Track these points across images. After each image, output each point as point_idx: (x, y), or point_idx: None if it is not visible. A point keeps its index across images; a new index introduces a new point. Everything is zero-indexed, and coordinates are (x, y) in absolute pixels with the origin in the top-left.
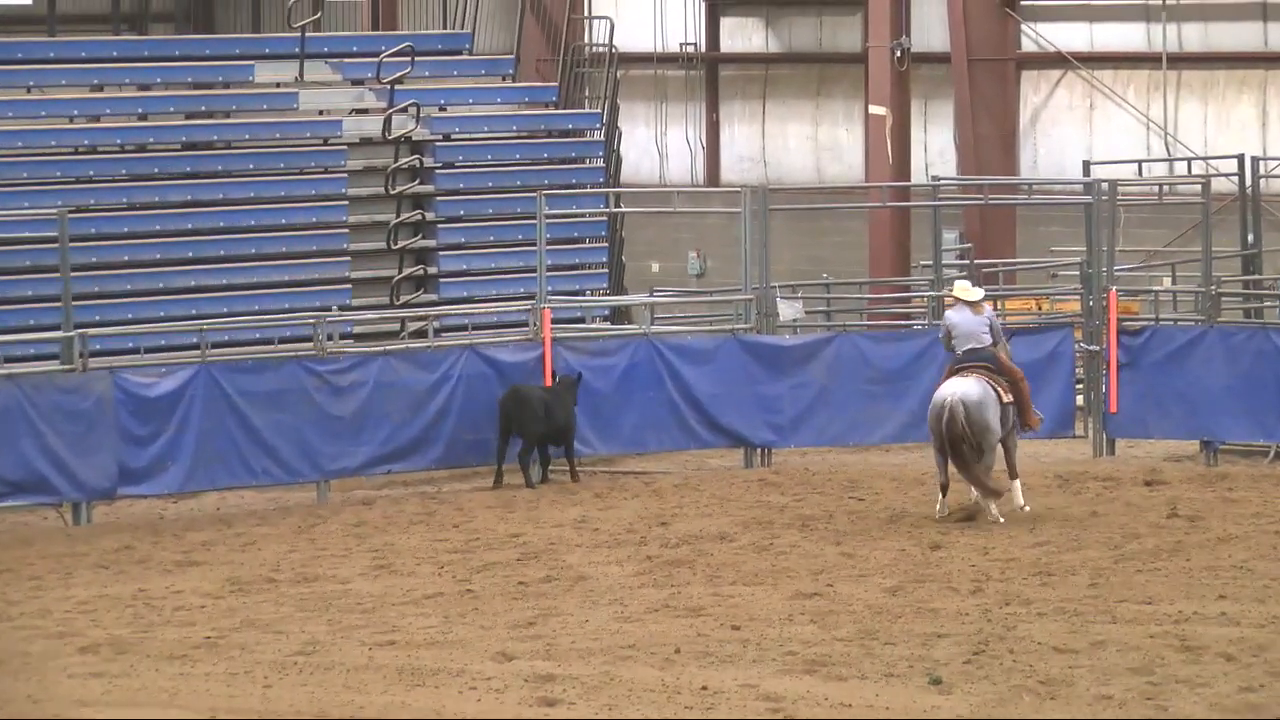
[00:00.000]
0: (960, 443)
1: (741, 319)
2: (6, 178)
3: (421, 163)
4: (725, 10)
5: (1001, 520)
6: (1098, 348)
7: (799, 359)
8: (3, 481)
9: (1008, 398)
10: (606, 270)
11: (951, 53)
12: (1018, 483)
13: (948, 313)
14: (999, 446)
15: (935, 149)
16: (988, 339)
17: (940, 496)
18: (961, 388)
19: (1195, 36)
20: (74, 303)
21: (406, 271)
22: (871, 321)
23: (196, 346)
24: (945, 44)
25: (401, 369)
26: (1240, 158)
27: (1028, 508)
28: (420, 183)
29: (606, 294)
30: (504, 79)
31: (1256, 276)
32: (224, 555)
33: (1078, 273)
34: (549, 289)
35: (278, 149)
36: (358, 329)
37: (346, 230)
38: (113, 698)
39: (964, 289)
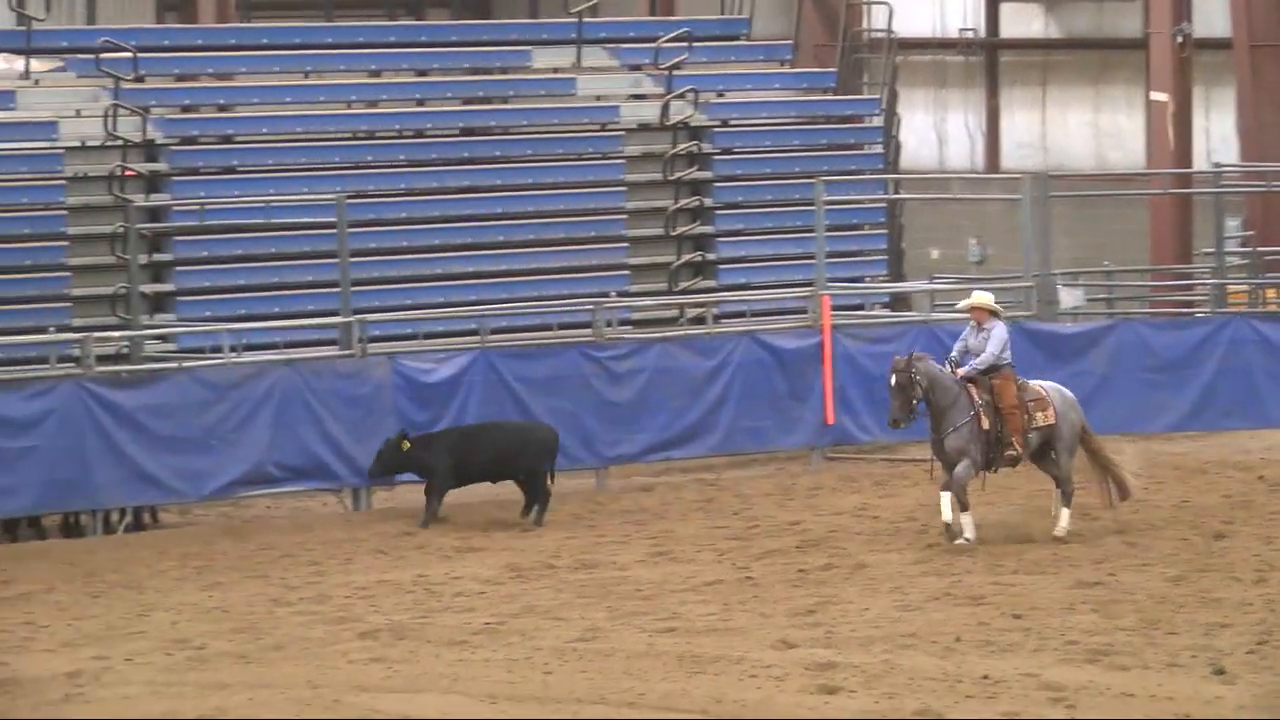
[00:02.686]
0: None
1: (1022, 306)
2: (284, 163)
3: (700, 148)
4: None
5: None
6: None
7: (1079, 346)
8: (283, 467)
9: None
10: (886, 257)
11: (1234, 38)
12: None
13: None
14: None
15: (1217, 136)
16: None
17: None
18: None
19: None
20: (352, 289)
21: (685, 258)
22: (1153, 309)
23: (475, 332)
24: (1228, 30)
25: (680, 355)
26: None
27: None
28: (698, 169)
29: (886, 280)
30: (782, 64)
31: None
32: (504, 541)
33: None
34: (828, 276)
35: (556, 135)
36: (636, 315)
37: (625, 216)
38: (392, 683)
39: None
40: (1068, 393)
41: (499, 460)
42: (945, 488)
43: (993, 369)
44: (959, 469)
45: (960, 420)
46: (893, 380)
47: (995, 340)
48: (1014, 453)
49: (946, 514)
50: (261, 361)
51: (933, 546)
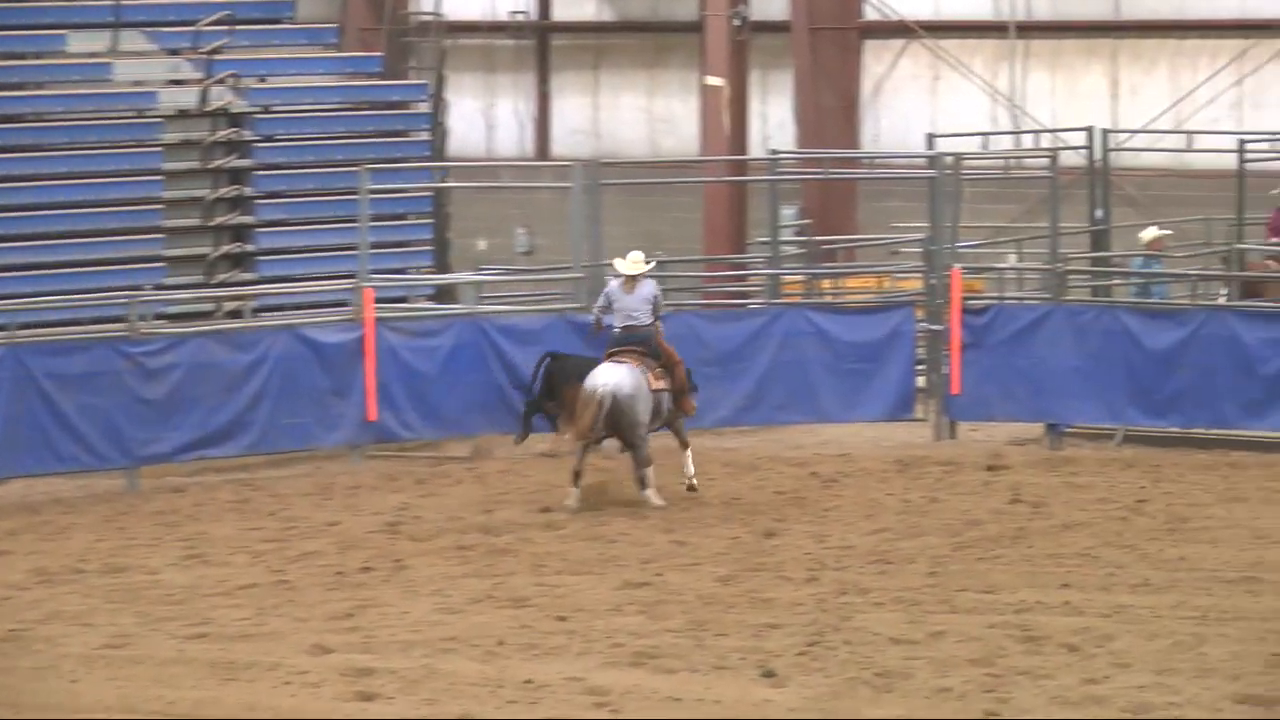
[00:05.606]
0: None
1: (571, 298)
2: None
3: (240, 135)
4: None
5: (661, 505)
6: (940, 327)
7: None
8: None
9: (659, 384)
10: (432, 247)
11: (792, 21)
12: (688, 452)
13: (611, 284)
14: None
15: (774, 121)
16: (646, 318)
17: (574, 488)
18: (615, 378)
19: (1044, 5)
20: None
21: (223, 249)
22: (707, 300)
23: (3, 328)
24: (785, 12)
25: (217, 350)
26: (1089, 130)
27: (696, 480)
28: (239, 157)
29: (431, 272)
30: (326, 49)
31: (1105, 253)
32: (30, 544)
33: (920, 249)
34: (371, 267)
35: (91, 122)
36: (172, 309)
37: (161, 206)
38: None
39: (632, 262)
40: (626, 388)
41: None
42: None
43: None
44: None
45: None
46: None
47: None
48: None
49: None
50: None
51: (473, 548)
